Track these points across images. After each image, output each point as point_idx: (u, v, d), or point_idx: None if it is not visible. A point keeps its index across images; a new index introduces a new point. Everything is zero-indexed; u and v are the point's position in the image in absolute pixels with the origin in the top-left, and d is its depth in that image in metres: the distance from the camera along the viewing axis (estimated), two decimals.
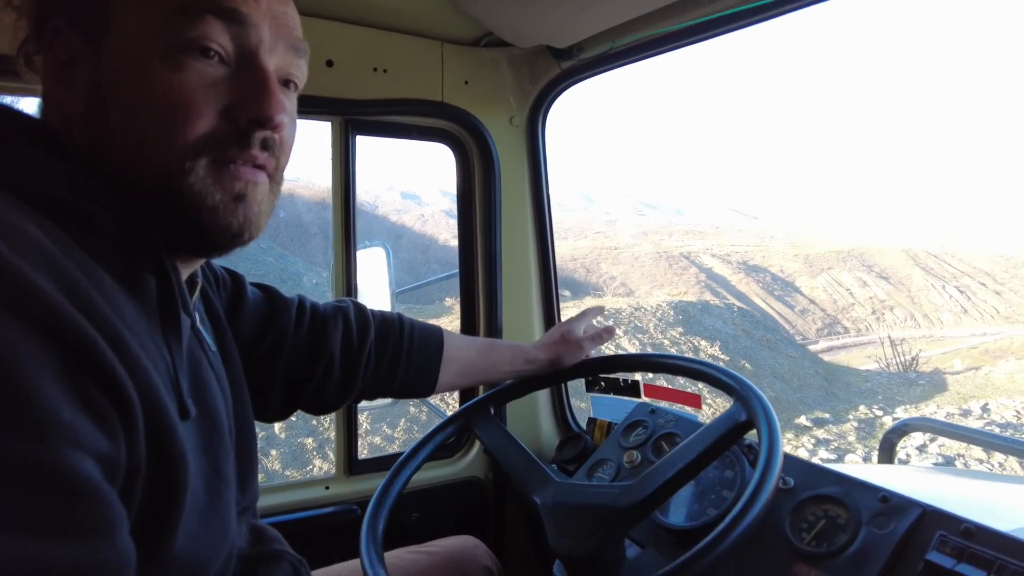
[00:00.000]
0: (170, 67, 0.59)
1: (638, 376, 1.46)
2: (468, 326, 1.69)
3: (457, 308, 1.73)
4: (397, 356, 1.13)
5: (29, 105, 0.68)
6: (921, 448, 8.04)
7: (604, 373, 1.29)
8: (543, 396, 1.77)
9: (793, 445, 9.05)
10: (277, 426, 7.60)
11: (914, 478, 1.50)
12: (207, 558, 0.61)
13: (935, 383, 14.32)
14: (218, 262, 0.98)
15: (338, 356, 1.06)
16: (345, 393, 1.09)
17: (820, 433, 9.66)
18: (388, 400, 1.27)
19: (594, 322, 1.31)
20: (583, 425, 1.66)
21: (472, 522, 1.67)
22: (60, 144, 0.59)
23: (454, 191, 1.69)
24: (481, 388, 1.56)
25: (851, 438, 9.51)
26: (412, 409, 8.36)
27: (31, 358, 0.42)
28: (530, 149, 1.69)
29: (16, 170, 0.55)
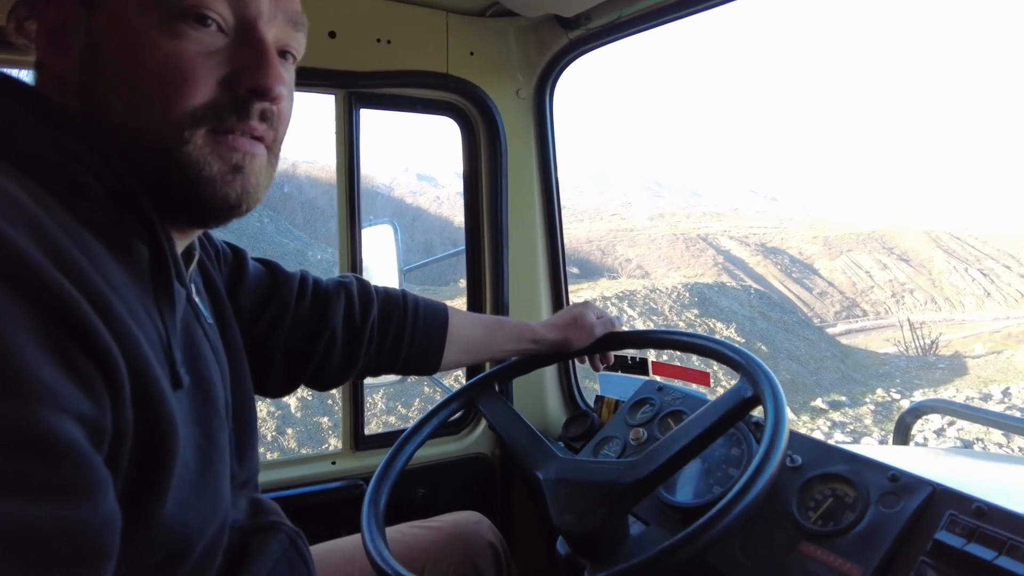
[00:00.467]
0: (167, 34, 0.58)
1: (647, 354, 1.45)
2: (474, 302, 1.68)
3: None
4: (401, 333, 1.12)
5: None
6: (939, 431, 7.96)
7: (610, 350, 1.27)
8: (550, 374, 1.76)
9: (809, 427, 9.01)
10: (293, 405, 7.72)
11: (929, 459, 1.47)
12: (197, 527, 0.61)
13: (955, 367, 14.13)
14: (226, 236, 0.97)
15: (340, 332, 1.05)
16: (348, 369, 1.09)
17: (836, 416, 9.60)
18: (396, 377, 1.27)
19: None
20: (591, 403, 1.64)
21: (479, 498, 1.67)
22: (52, 109, 0.58)
23: None
24: (488, 365, 1.55)
25: (867, 421, 9.43)
26: (426, 389, 8.43)
27: (10, 319, 0.42)
28: (537, 122, 1.66)
29: (4, 134, 0.54)
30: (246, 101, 0.62)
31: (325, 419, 7.74)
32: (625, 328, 1.28)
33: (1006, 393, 10.32)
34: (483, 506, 1.46)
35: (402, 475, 1.08)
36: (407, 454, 1.11)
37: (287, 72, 0.68)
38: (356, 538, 1.15)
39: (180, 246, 0.69)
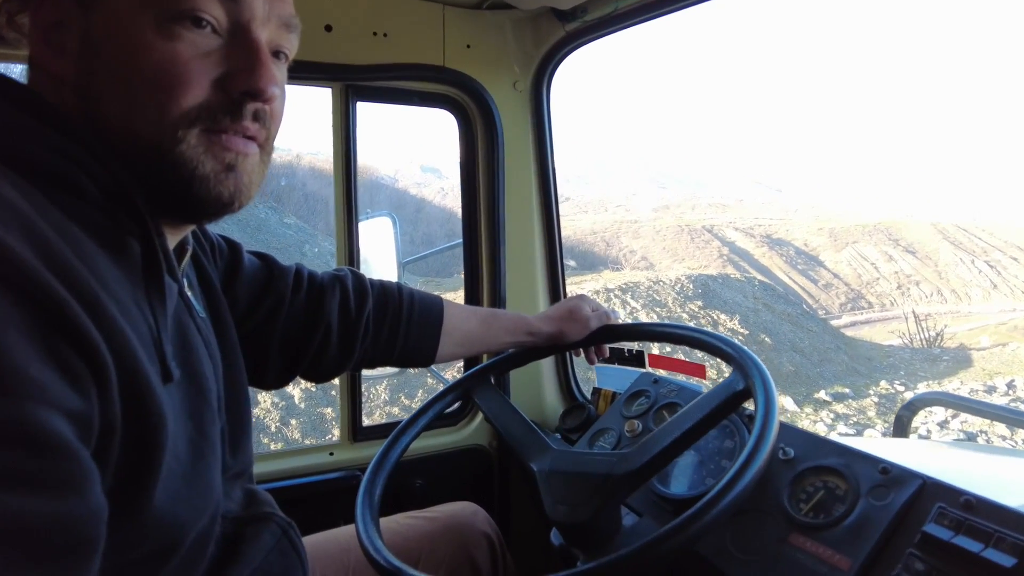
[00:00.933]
0: (163, 36, 0.59)
1: (645, 346, 1.45)
2: (472, 295, 1.69)
3: None
4: (396, 325, 1.13)
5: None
6: (943, 424, 7.94)
7: (604, 343, 1.28)
8: (547, 366, 1.76)
9: (811, 420, 8.99)
10: (297, 396, 7.75)
11: (925, 452, 1.48)
12: (188, 519, 0.62)
13: (960, 359, 14.07)
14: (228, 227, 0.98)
15: (335, 324, 1.06)
16: (344, 361, 1.10)
17: (839, 408, 9.57)
18: (394, 369, 1.28)
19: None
20: (588, 395, 1.65)
21: (476, 489, 1.68)
22: (48, 109, 0.58)
23: None
24: (485, 357, 1.56)
25: (871, 413, 9.41)
26: (429, 380, 8.45)
27: None
28: (535, 115, 1.66)
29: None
30: (239, 102, 0.63)
31: (328, 410, 7.77)
32: (625, 320, 1.29)
33: (1011, 386, 10.27)
34: (480, 497, 1.47)
35: (399, 466, 1.09)
36: (403, 445, 1.11)
37: (280, 71, 0.69)
38: (353, 528, 1.16)
39: (172, 241, 0.69)
